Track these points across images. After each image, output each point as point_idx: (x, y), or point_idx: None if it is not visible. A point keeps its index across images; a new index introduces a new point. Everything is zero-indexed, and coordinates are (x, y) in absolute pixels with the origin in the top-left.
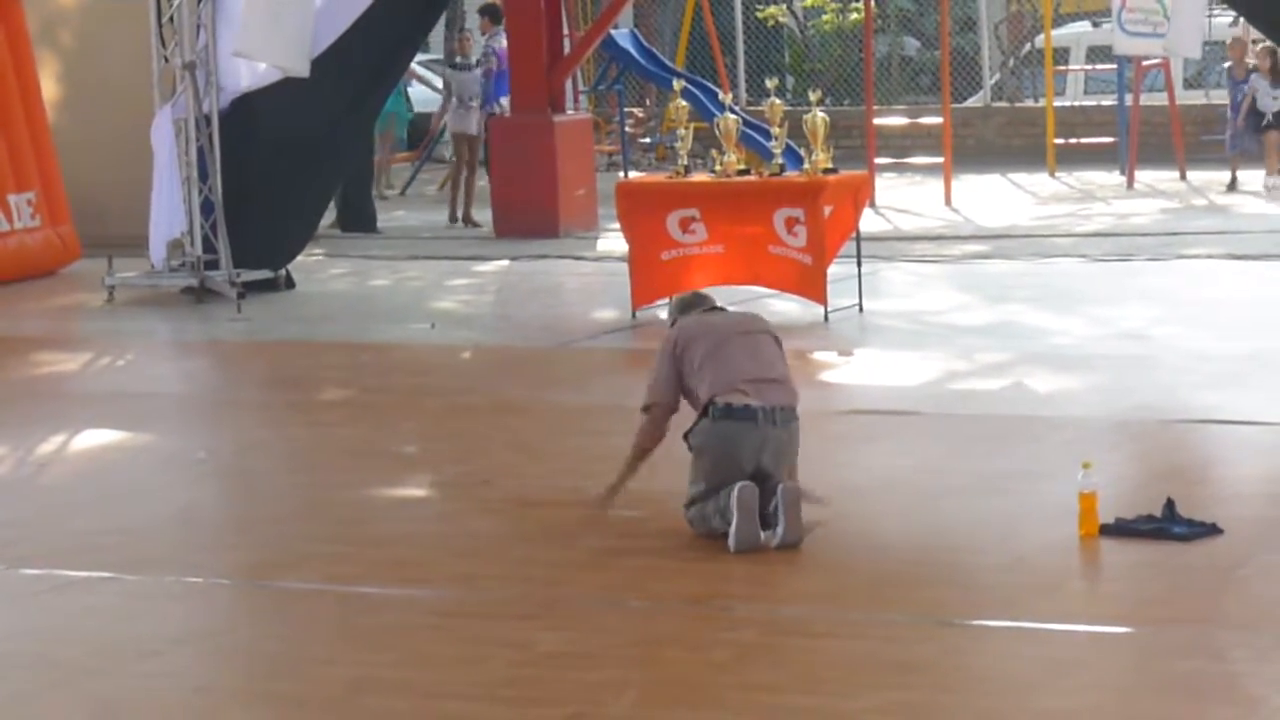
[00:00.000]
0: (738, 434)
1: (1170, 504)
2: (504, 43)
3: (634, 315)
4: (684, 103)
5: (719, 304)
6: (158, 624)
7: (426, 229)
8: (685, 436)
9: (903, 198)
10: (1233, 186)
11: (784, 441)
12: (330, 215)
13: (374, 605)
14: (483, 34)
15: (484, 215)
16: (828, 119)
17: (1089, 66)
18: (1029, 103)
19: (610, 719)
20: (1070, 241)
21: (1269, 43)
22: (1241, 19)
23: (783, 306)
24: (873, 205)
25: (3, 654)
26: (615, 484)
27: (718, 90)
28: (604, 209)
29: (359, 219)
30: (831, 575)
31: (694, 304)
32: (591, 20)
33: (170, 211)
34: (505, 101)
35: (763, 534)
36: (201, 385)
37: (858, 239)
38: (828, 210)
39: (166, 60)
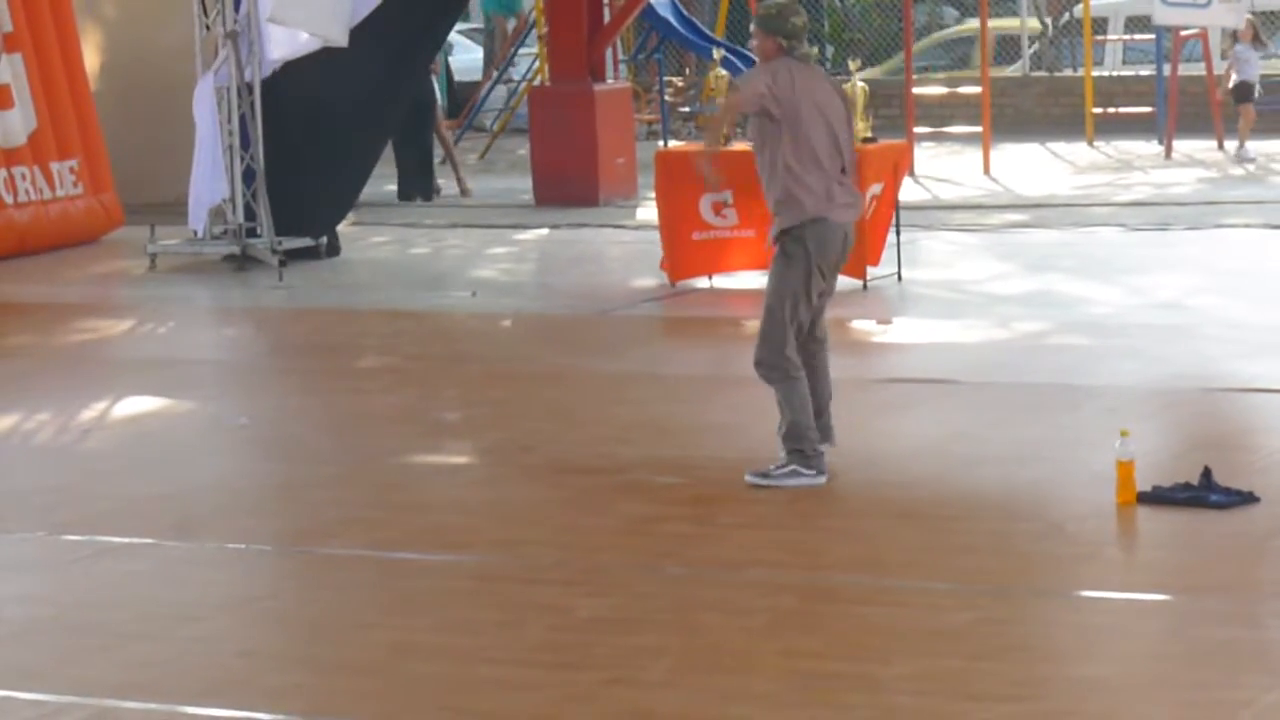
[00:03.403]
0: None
1: (1207, 472)
2: None
3: (673, 285)
4: (724, 72)
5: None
6: (200, 589)
7: (467, 197)
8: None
9: (941, 167)
10: None
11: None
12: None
13: (414, 570)
14: None
15: (525, 182)
16: (867, 88)
17: (1127, 36)
18: (1068, 72)
19: (648, 684)
20: (1108, 211)
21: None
22: None
23: None
24: (912, 174)
25: (46, 618)
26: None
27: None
28: (643, 178)
29: (419, 186)
30: (869, 542)
31: (798, 36)
32: None
33: (212, 179)
34: None
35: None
36: (243, 352)
37: (896, 209)
38: (875, 189)
39: (208, 29)
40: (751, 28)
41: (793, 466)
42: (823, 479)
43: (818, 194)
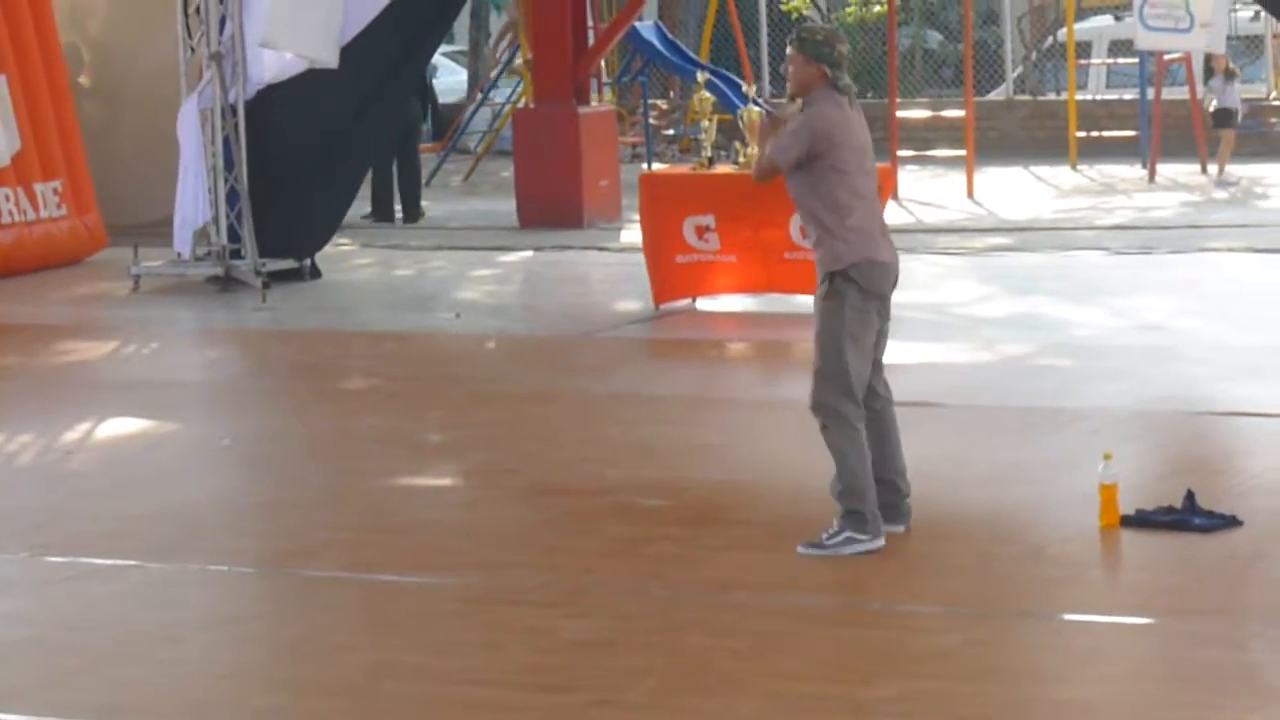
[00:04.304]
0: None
1: (1190, 496)
2: None
3: (656, 308)
4: (708, 95)
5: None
6: (182, 610)
7: (452, 219)
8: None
9: (925, 190)
10: None
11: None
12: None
13: (397, 592)
14: None
15: (509, 204)
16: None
17: (1111, 60)
18: (1051, 96)
19: (632, 706)
20: (1092, 234)
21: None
22: (1263, 13)
23: (804, 299)
24: (895, 197)
25: (28, 639)
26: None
27: (741, 82)
28: (627, 200)
29: (405, 208)
30: (853, 565)
31: (841, 65)
32: (616, 12)
33: (196, 201)
34: None
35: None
36: (226, 373)
37: None
38: None
39: (193, 50)
40: (790, 50)
41: (847, 534)
42: (881, 542)
43: (865, 233)
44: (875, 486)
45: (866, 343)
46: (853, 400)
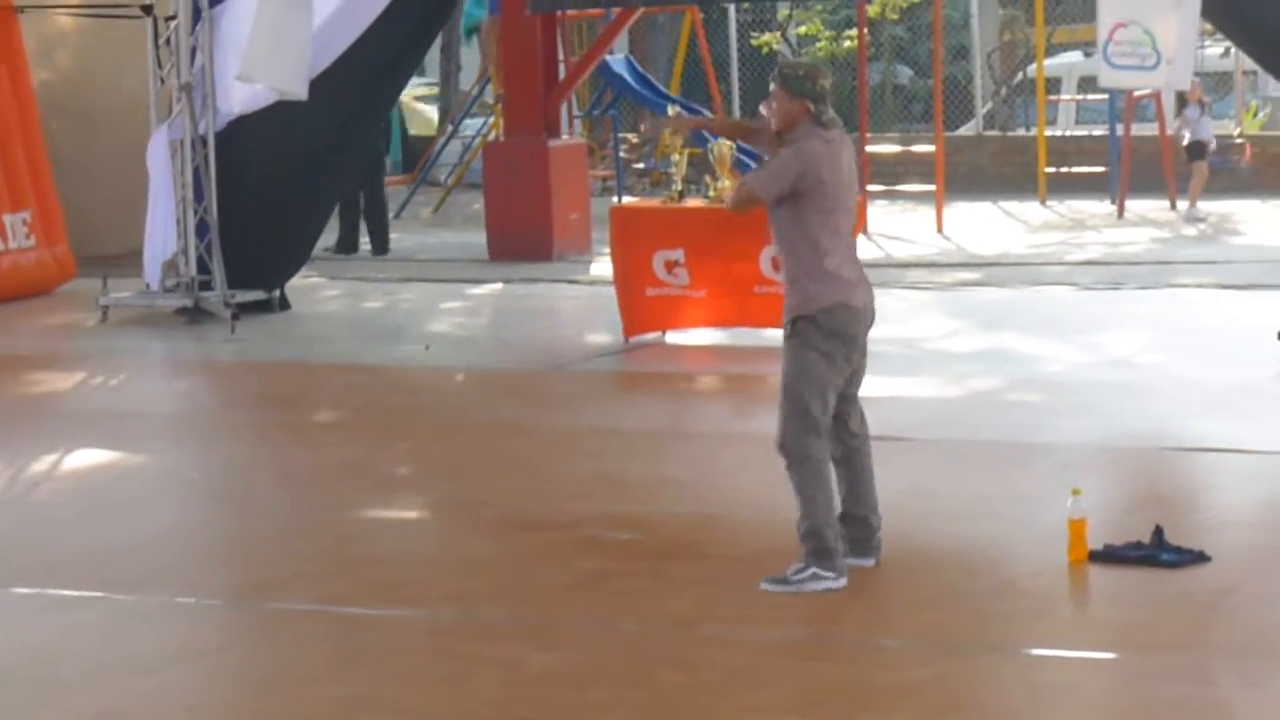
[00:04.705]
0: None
1: (1159, 531)
2: None
3: (626, 341)
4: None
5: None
6: (150, 643)
7: (422, 251)
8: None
9: (895, 225)
10: None
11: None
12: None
13: (365, 625)
14: None
15: (479, 237)
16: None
17: (1080, 96)
18: (1021, 132)
19: None
20: (1061, 270)
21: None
22: (1232, 50)
23: (774, 332)
24: (865, 232)
25: None
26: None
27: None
28: (598, 233)
29: (349, 243)
30: (822, 599)
31: (824, 100)
32: (587, 46)
33: (165, 232)
34: None
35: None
36: (194, 405)
37: None
38: None
39: (163, 81)
40: (772, 87)
41: (813, 570)
42: (844, 581)
43: (837, 277)
44: (844, 523)
45: (832, 381)
46: (817, 437)
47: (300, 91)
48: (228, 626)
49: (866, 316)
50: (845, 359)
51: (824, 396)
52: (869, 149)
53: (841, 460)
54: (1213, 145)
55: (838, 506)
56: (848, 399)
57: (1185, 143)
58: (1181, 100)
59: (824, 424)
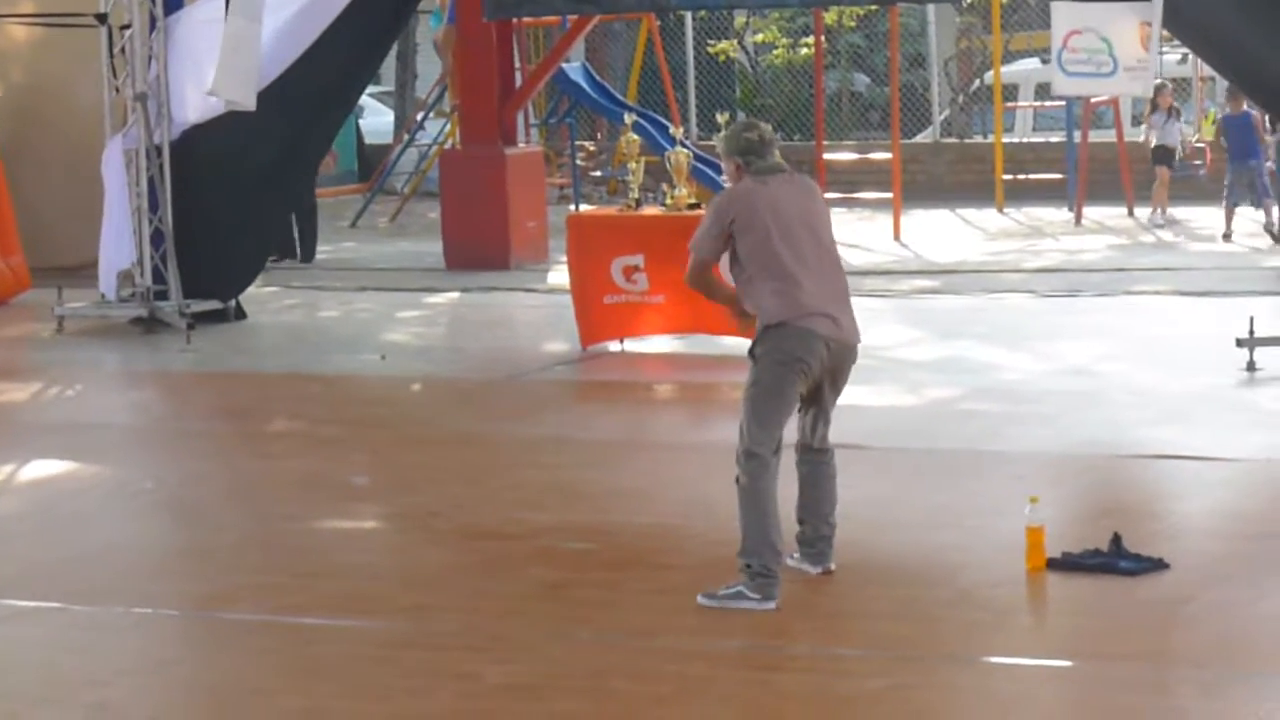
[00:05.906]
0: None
1: (1117, 539)
2: None
3: (584, 349)
4: (635, 136)
5: (778, 157)
6: (106, 655)
7: (378, 260)
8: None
9: (852, 233)
10: (1228, 237)
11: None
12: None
13: (321, 636)
14: None
15: (435, 246)
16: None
17: (1038, 103)
18: (978, 139)
19: None
20: (1019, 277)
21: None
22: (1190, 56)
23: (732, 340)
24: None
25: None
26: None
27: (669, 124)
28: (555, 242)
29: (288, 247)
30: (779, 609)
31: (755, 151)
32: (543, 54)
33: (121, 242)
34: None
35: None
36: (150, 416)
37: None
38: None
39: (118, 90)
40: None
41: (739, 588)
42: (771, 605)
43: (795, 298)
44: (800, 527)
45: (787, 397)
46: (763, 453)
47: (249, 102)
48: (184, 638)
49: (830, 347)
50: (803, 374)
51: (773, 411)
52: (826, 156)
53: (805, 472)
54: (1179, 152)
55: (791, 526)
56: (821, 416)
57: (1151, 146)
58: (1152, 105)
59: (774, 434)
